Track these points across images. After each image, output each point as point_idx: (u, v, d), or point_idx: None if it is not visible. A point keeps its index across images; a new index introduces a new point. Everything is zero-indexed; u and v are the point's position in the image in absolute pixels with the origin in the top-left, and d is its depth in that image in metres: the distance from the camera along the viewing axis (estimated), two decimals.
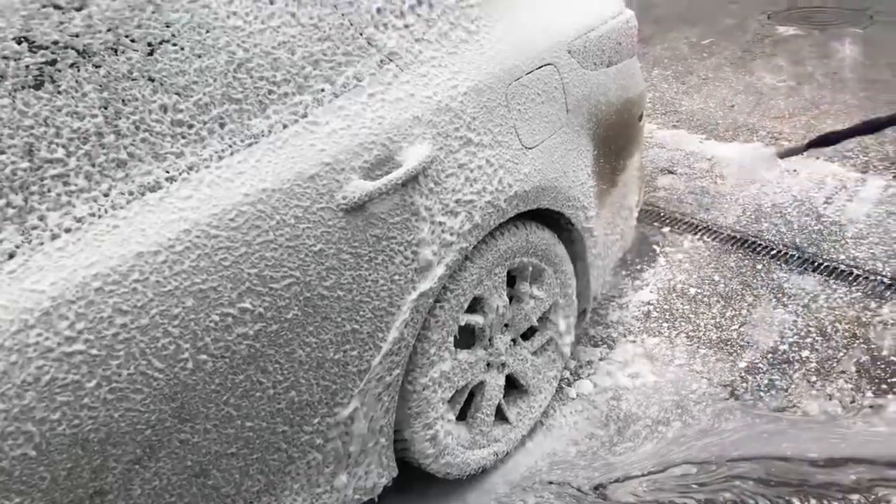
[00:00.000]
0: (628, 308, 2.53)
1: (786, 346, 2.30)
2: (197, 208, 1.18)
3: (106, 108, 1.13)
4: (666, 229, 2.93)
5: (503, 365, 1.88)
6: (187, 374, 1.16)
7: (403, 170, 1.42)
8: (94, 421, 1.07)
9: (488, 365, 1.84)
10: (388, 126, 1.43)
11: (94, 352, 1.07)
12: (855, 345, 2.28)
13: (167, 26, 1.20)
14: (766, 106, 3.87)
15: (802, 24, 5.05)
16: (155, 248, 1.12)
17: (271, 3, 1.32)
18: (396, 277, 1.47)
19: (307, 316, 1.32)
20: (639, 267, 2.73)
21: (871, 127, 3.24)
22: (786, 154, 3.33)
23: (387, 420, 1.55)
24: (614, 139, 2.05)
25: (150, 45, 1.17)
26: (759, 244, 2.79)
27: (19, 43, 1.08)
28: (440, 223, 1.53)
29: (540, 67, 1.75)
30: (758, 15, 5.30)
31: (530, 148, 1.72)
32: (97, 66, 1.13)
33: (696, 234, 2.88)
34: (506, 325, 1.87)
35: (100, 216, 1.12)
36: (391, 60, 1.49)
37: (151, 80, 1.17)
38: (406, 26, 1.54)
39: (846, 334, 2.32)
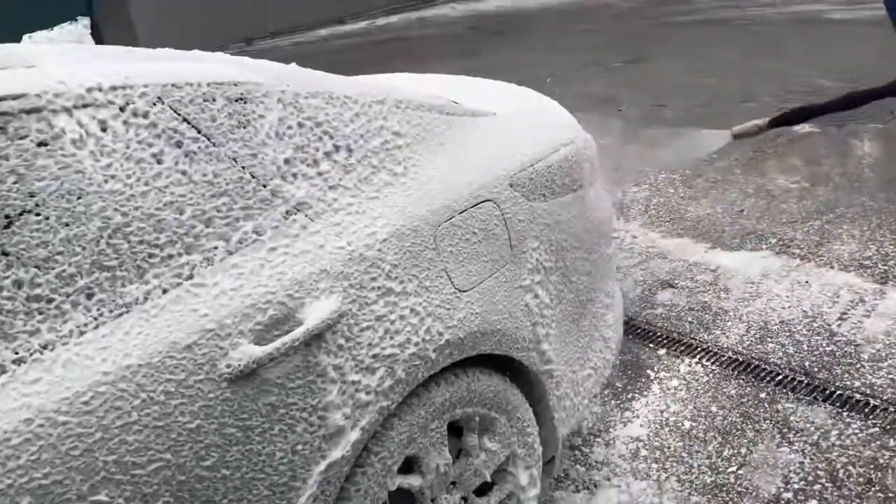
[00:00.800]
0: (615, 445, 2.31)
1: (790, 495, 2.04)
2: (44, 393, 1.07)
3: None
4: (662, 352, 2.73)
5: None
6: None
7: (303, 329, 1.31)
8: None
9: None
10: (289, 282, 1.33)
11: None
12: (870, 493, 2.01)
13: (31, 196, 1.14)
14: (777, 210, 3.69)
15: (819, 120, 4.91)
16: None
17: (159, 162, 1.26)
18: (300, 448, 1.33)
19: (182, 502, 1.18)
20: (630, 396, 2.52)
21: (851, 101, 3.03)
22: (740, 134, 3.20)
23: None
24: (575, 271, 1.92)
25: (7, 217, 1.11)
26: (764, 368, 2.56)
27: None
28: (353, 382, 1.39)
29: (476, 205, 1.65)
30: (773, 112, 5.19)
31: (465, 291, 1.60)
32: None
33: (694, 356, 2.67)
34: (453, 483, 1.70)
35: None
36: (299, 211, 1.41)
37: (6, 254, 1.10)
38: (320, 174, 1.46)
39: (860, 480, 2.06)
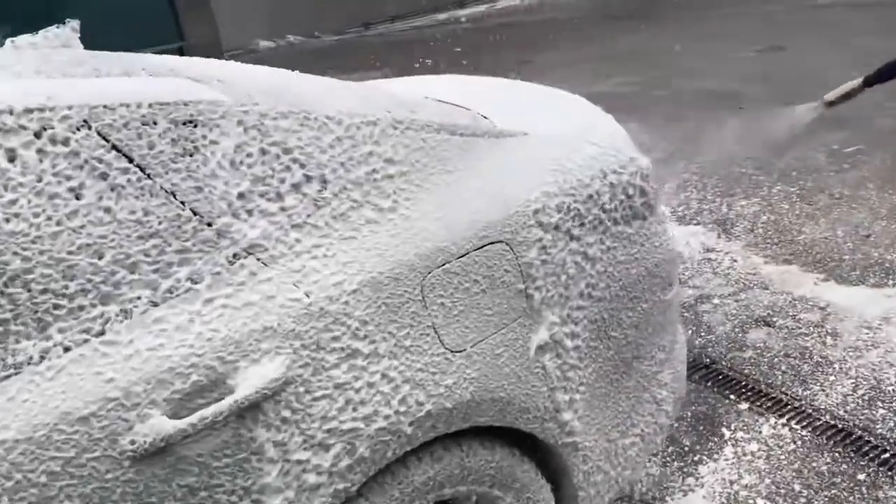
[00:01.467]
0: None
1: None
2: None
3: None
4: (744, 406, 2.33)
5: None
6: None
7: (232, 398, 1.11)
8: None
9: None
10: (222, 341, 1.12)
11: None
12: None
13: None
14: None
15: None
16: None
17: (77, 198, 1.09)
18: None
19: None
20: (697, 458, 2.16)
21: None
22: (834, 101, 2.81)
23: None
24: (618, 324, 1.60)
25: None
26: (868, 441, 2.12)
27: None
28: (299, 462, 1.18)
29: (481, 247, 1.38)
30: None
31: (458, 351, 1.34)
32: None
33: (782, 415, 2.26)
34: None
35: None
36: (250, 254, 1.20)
37: None
38: (283, 210, 1.24)
39: None
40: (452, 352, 1.33)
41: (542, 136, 1.62)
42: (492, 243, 1.39)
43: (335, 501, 1.22)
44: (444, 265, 1.33)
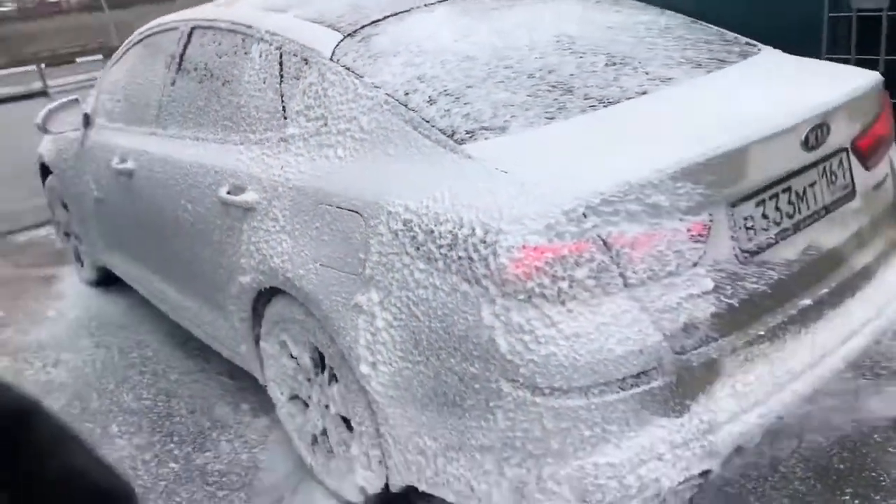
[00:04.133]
0: None
1: None
2: None
3: None
4: None
5: None
6: None
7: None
8: None
9: None
10: None
11: None
12: None
13: None
14: None
15: None
16: None
17: None
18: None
19: None
20: None
21: None
22: None
23: None
24: (438, 359, 1.69)
25: None
26: None
27: None
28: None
29: (348, 210, 1.82)
30: None
31: (316, 263, 1.93)
32: None
33: None
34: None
35: None
36: None
37: None
38: None
39: None
40: (314, 261, 1.95)
41: None
42: (354, 211, 1.81)
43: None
44: (327, 203, 1.90)
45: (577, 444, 1.54)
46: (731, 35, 2.39)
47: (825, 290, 1.84)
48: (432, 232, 1.63)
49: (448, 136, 1.73)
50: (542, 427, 1.54)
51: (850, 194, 1.93)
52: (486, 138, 1.72)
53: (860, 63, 3.95)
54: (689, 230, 1.56)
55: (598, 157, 1.61)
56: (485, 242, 1.53)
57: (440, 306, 1.63)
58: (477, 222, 1.55)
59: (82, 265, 4.28)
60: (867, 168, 1.99)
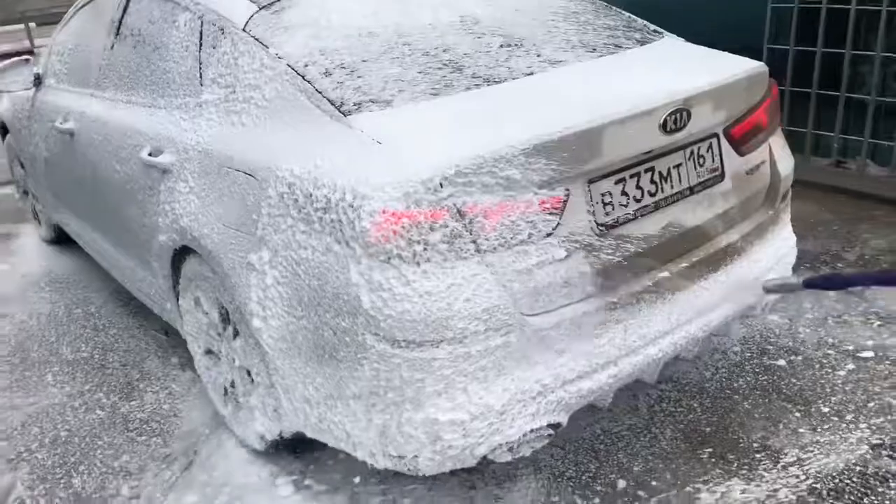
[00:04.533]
0: None
1: None
2: None
3: None
4: None
5: None
6: None
7: None
8: None
9: None
10: None
11: None
12: None
13: None
14: None
15: None
16: None
17: None
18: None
19: None
20: None
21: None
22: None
23: None
24: (317, 314, 1.82)
25: None
26: None
27: None
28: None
29: (243, 172, 1.95)
30: None
31: (207, 219, 2.06)
32: None
33: None
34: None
35: None
36: None
37: None
38: None
39: None
40: (217, 221, 2.07)
41: None
42: (250, 175, 1.94)
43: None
44: (228, 167, 2.02)
45: (430, 393, 1.68)
46: (640, 22, 2.51)
47: (685, 265, 1.98)
48: (311, 195, 1.76)
49: (336, 108, 1.85)
50: (400, 377, 1.69)
51: (719, 177, 2.07)
52: (370, 111, 1.84)
53: (799, 54, 4.09)
54: (542, 203, 1.70)
55: (465, 132, 1.74)
56: (352, 207, 1.66)
57: (317, 265, 1.77)
58: (347, 188, 1.68)
59: (40, 223, 4.39)
60: (740, 154, 2.12)
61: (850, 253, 3.31)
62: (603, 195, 1.81)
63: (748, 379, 2.53)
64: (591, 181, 1.79)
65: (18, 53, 14.24)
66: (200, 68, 2.30)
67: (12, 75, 3.57)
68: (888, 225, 3.53)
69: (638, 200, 1.88)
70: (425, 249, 1.62)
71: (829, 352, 2.62)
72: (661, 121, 1.84)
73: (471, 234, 1.64)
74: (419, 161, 1.64)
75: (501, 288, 1.67)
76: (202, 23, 2.34)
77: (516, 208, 1.67)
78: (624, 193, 1.85)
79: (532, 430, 1.78)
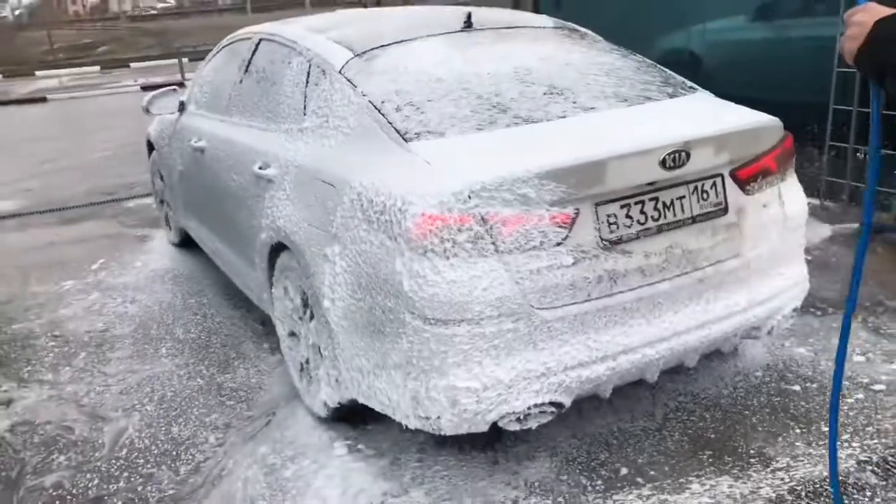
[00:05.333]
0: None
1: None
2: None
3: None
4: None
5: None
6: None
7: None
8: None
9: None
10: None
11: None
12: None
13: None
14: None
15: None
16: None
17: None
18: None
19: None
20: None
21: None
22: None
23: None
24: (370, 294, 2.29)
25: None
26: None
27: None
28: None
29: (325, 182, 2.45)
30: None
31: (300, 220, 2.57)
32: None
33: None
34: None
35: None
36: None
37: None
38: None
39: None
40: (304, 221, 2.59)
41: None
42: (331, 185, 2.45)
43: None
44: (317, 178, 2.54)
45: (452, 364, 2.10)
46: (678, 79, 2.87)
47: (686, 282, 2.31)
48: (372, 201, 2.24)
49: (401, 135, 2.34)
50: (429, 349, 2.12)
51: (722, 211, 2.39)
52: (427, 139, 2.31)
53: (861, 115, 4.28)
54: (553, 217, 2.10)
55: (495, 158, 2.17)
56: (400, 210, 2.12)
57: (373, 256, 2.24)
58: (399, 196, 2.15)
59: (170, 228, 5.14)
60: (746, 193, 2.43)
61: (894, 301, 3.46)
62: (609, 216, 2.19)
63: (761, 399, 2.77)
64: (598, 203, 2.17)
65: (169, 84, 15.93)
66: (305, 101, 2.86)
67: (163, 101, 4.33)
68: None
69: (641, 223, 2.24)
70: (453, 246, 2.06)
71: (845, 382, 2.82)
72: (661, 158, 2.20)
73: (491, 237, 2.06)
74: (454, 178, 2.09)
75: (514, 283, 2.08)
76: (310, 65, 2.92)
77: (530, 220, 2.08)
78: (628, 216, 2.22)
79: (536, 405, 2.16)
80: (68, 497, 2.54)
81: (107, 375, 3.37)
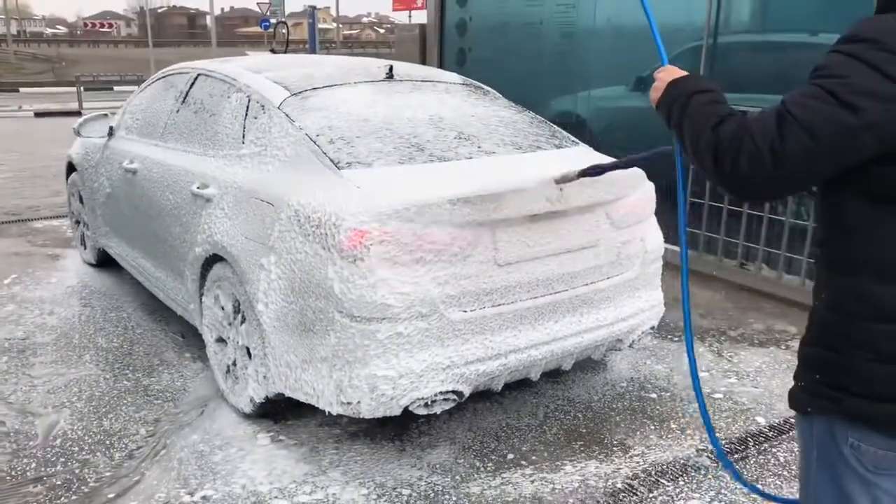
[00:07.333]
0: None
1: None
2: None
3: None
4: None
5: None
6: None
7: None
8: None
9: None
10: None
11: None
12: None
13: None
14: None
15: None
16: None
17: None
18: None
19: None
20: None
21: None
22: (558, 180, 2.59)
23: None
24: (300, 297, 2.67)
25: None
26: None
27: None
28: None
29: (263, 201, 2.83)
30: None
31: (234, 233, 2.93)
32: None
33: None
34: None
35: None
36: None
37: None
38: None
39: None
40: (241, 235, 2.94)
41: None
42: (270, 203, 2.83)
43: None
44: (255, 198, 2.91)
45: (373, 355, 2.50)
46: (564, 133, 3.46)
47: (565, 297, 2.82)
48: (309, 217, 2.64)
49: (334, 164, 2.77)
50: (354, 342, 2.52)
51: (596, 241, 2.94)
52: (356, 168, 2.75)
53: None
54: (456, 237, 2.57)
55: (414, 186, 2.63)
56: (335, 225, 2.54)
57: (308, 264, 2.63)
58: (333, 213, 2.57)
59: (85, 248, 5.27)
60: (615, 227, 3.00)
61: (734, 331, 4.15)
62: (505, 239, 2.68)
63: (625, 403, 3.31)
64: (496, 228, 2.66)
65: (65, 113, 15.51)
66: (244, 131, 3.24)
67: (94, 126, 4.55)
68: (770, 314, 4.38)
69: (529, 247, 2.74)
70: (378, 257, 2.48)
71: (692, 392, 3.41)
72: (547, 194, 2.73)
73: (409, 250, 2.51)
74: (379, 200, 2.53)
75: (427, 289, 2.52)
76: (249, 100, 3.31)
77: (442, 238, 2.54)
78: (519, 240, 2.72)
79: (440, 393, 2.59)
80: (8, 478, 2.72)
81: (32, 377, 3.53)
